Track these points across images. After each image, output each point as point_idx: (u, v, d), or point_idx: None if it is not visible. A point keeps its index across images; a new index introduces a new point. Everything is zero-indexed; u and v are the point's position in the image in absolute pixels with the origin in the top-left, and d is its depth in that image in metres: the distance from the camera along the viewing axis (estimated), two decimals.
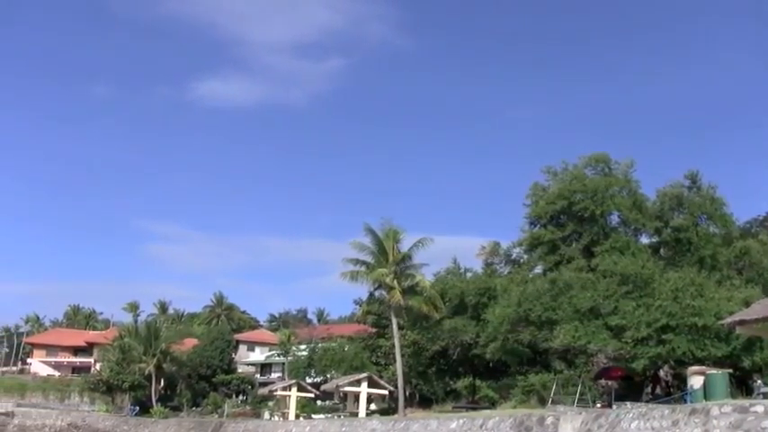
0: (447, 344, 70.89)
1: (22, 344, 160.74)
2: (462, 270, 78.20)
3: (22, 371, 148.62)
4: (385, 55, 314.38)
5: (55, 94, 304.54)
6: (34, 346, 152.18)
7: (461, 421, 40.30)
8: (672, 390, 54.71)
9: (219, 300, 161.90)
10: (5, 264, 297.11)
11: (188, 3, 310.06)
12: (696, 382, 41.30)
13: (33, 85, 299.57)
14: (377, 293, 74.34)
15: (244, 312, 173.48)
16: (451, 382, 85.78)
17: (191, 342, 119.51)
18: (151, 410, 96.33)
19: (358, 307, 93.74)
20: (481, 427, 37.80)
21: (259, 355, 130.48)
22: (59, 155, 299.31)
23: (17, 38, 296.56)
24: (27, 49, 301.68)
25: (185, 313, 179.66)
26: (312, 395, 79.89)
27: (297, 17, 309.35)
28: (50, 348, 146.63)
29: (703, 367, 42.91)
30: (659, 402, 40.32)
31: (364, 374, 71.47)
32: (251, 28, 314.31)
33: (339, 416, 70.06)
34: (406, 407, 65.76)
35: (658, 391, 56.89)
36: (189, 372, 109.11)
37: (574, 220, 64.10)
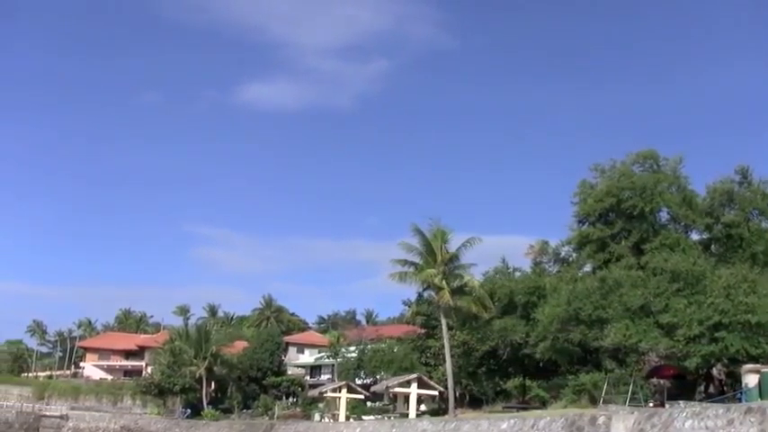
0: (497, 344, 70.55)
1: (75, 348, 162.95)
2: (511, 269, 77.71)
3: (75, 374, 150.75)
4: (428, 56, 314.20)
5: (105, 103, 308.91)
6: (87, 350, 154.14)
7: (512, 421, 40.12)
8: (725, 388, 53.97)
9: (269, 302, 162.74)
10: (59, 269, 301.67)
11: (234, 8, 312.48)
12: (751, 380, 40.68)
13: (84, 95, 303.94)
14: (425, 294, 74.29)
15: (293, 314, 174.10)
16: (501, 383, 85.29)
17: (241, 345, 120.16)
18: (202, 413, 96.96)
19: (407, 308, 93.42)
20: (532, 427, 37.60)
21: (308, 356, 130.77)
22: (109, 162, 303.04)
23: (64, 47, 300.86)
24: (77, 58, 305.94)
25: (235, 316, 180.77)
26: (362, 396, 79.91)
27: (341, 19, 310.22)
28: (103, 352, 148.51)
29: (758, 365, 42.23)
30: (713, 401, 39.85)
31: (414, 375, 71.28)
32: (296, 31, 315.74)
33: (389, 417, 70.00)
34: (456, 407, 65.53)
35: (711, 389, 56.14)
36: (239, 374, 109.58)
37: (622, 218, 63.44)
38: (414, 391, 69.06)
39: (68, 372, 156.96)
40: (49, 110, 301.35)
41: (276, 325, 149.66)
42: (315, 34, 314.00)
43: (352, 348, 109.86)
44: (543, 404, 74.67)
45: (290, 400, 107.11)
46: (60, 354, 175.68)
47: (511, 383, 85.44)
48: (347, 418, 73.37)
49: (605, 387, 55.16)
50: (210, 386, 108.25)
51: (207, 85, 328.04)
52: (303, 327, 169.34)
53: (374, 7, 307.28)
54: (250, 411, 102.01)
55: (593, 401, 55.60)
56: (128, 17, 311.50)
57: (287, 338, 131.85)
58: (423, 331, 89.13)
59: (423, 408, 76.54)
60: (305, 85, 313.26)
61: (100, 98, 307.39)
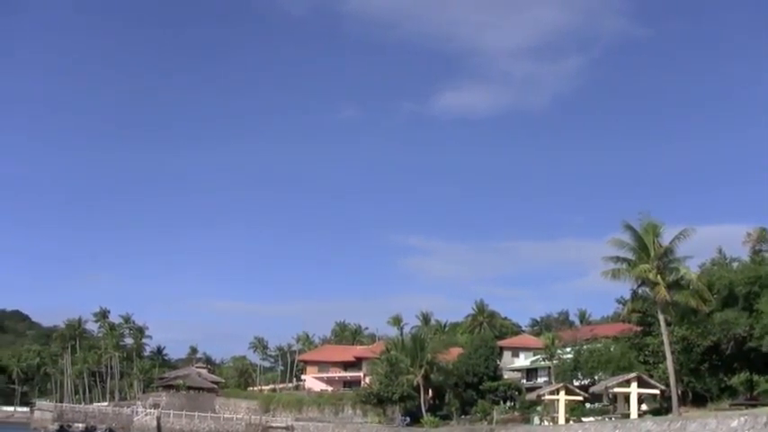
0: (719, 338, 67.74)
1: (296, 361, 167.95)
2: (728, 260, 74.59)
3: (297, 387, 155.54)
4: (623, 47, 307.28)
5: (306, 120, 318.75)
6: (307, 363, 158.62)
7: (743, 419, 38.28)
8: None
9: (481, 307, 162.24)
10: (276, 286, 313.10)
11: (422, 21, 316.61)
12: None
13: (286, 114, 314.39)
14: (640, 290, 72.15)
15: (505, 318, 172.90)
16: (726, 379, 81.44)
17: (455, 351, 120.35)
18: (421, 420, 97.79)
19: (621, 306, 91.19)
20: (765, 425, 35.70)
21: (524, 360, 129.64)
22: (312, 179, 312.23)
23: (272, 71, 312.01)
24: (275, 81, 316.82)
25: (447, 323, 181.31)
26: (580, 398, 78.55)
27: (530, 20, 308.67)
28: (322, 365, 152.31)
29: None
30: None
31: (633, 374, 69.34)
32: (485, 37, 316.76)
33: (610, 418, 68.39)
34: (679, 406, 63.25)
35: None
36: (456, 380, 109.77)
37: None
38: (634, 390, 67.27)
39: (291, 384, 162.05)
40: (259, 136, 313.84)
41: (489, 330, 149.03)
42: (504, 38, 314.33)
43: (568, 350, 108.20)
44: None
45: (508, 404, 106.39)
46: (282, 367, 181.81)
47: (736, 379, 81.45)
48: (567, 420, 72.29)
49: None
50: (428, 393, 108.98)
51: (403, 97, 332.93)
52: (516, 330, 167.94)
53: (561, 4, 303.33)
54: (468, 417, 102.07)
55: None
56: (323, 39, 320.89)
57: (501, 343, 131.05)
58: (639, 329, 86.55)
59: (644, 407, 74.38)
60: (498, 90, 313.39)
61: (304, 117, 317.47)
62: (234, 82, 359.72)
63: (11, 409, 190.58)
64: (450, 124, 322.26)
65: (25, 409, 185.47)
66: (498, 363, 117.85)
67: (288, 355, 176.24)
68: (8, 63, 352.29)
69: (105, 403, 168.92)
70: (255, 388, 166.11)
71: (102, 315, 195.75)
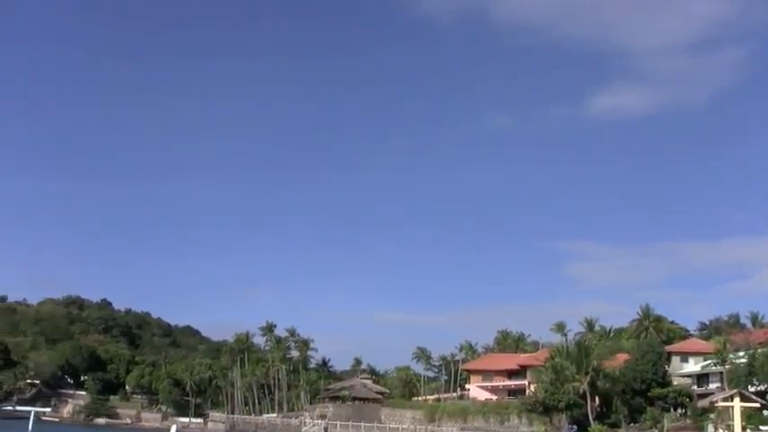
0: None
1: (459, 371, 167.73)
2: None
3: (461, 396, 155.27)
4: None
5: (456, 131, 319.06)
6: (470, 372, 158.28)
7: None
8: None
9: (646, 312, 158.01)
10: (435, 296, 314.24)
11: (572, 24, 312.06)
12: None
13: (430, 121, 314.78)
14: None
15: (672, 322, 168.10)
16: None
17: (621, 357, 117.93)
18: (589, 429, 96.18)
19: None
20: None
21: (693, 365, 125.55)
22: (468, 189, 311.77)
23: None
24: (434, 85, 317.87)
25: (612, 328, 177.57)
26: (757, 405, 75.64)
27: (682, 15, 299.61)
28: (485, 373, 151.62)
29: None
30: None
31: None
32: (638, 36, 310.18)
33: None
34: None
35: None
36: (623, 387, 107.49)
37: None
38: None
39: (454, 394, 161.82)
40: (406, 150, 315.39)
41: (655, 335, 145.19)
42: (657, 36, 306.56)
43: (741, 354, 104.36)
44: None
45: (678, 411, 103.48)
46: (446, 377, 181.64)
47: None
48: (743, 429, 69.73)
49: None
50: (595, 401, 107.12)
51: (555, 102, 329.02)
52: (683, 334, 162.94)
53: None
54: (637, 425, 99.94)
55: None
56: (471, 47, 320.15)
57: (668, 348, 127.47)
58: None
59: None
60: (654, 89, 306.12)
61: (456, 128, 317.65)
62: (380, 97, 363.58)
63: (186, 420, 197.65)
64: (606, 126, 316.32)
65: (199, 420, 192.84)
66: (667, 368, 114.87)
67: (451, 365, 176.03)
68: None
69: (274, 414, 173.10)
70: (420, 398, 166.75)
71: (269, 329, 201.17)
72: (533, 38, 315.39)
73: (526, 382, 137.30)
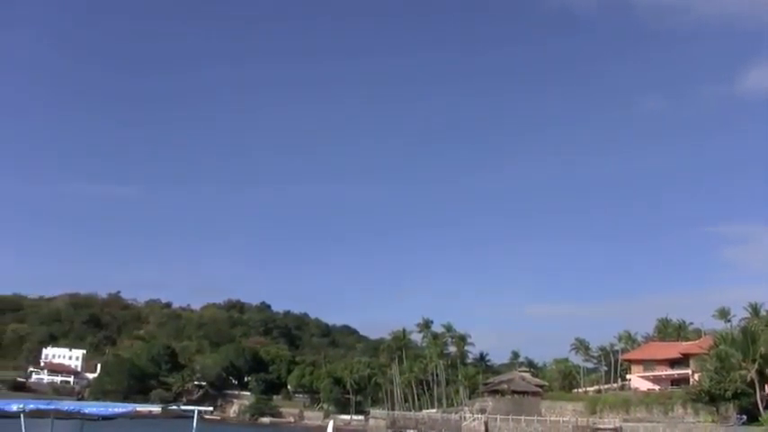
0: None
1: (619, 361, 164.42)
2: None
3: (622, 387, 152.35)
4: None
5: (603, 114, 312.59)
6: (630, 362, 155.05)
7: None
8: None
9: None
10: (591, 287, 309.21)
11: (716, 2, 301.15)
12: None
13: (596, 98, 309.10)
14: None
15: None
16: None
17: None
18: (760, 419, 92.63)
19: None
20: None
21: None
22: (620, 176, 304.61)
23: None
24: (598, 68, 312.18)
25: None
26: None
27: None
28: (646, 363, 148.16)
29: None
30: None
31: None
32: None
33: None
34: None
35: None
36: None
37: None
38: None
39: (615, 385, 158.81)
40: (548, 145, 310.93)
41: None
42: None
43: None
44: None
45: None
46: (605, 368, 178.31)
47: None
48: None
49: None
50: (764, 390, 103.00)
51: (706, 81, 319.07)
52: None
53: None
54: None
55: None
56: (615, 32, 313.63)
57: None
58: None
59: None
60: None
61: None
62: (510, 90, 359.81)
63: (347, 417, 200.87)
64: (761, 104, 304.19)
65: (360, 417, 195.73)
66: None
67: (611, 355, 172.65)
68: None
69: (434, 410, 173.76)
70: (579, 390, 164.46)
71: (426, 325, 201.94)
72: (677, 18, 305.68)
73: (690, 371, 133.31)
